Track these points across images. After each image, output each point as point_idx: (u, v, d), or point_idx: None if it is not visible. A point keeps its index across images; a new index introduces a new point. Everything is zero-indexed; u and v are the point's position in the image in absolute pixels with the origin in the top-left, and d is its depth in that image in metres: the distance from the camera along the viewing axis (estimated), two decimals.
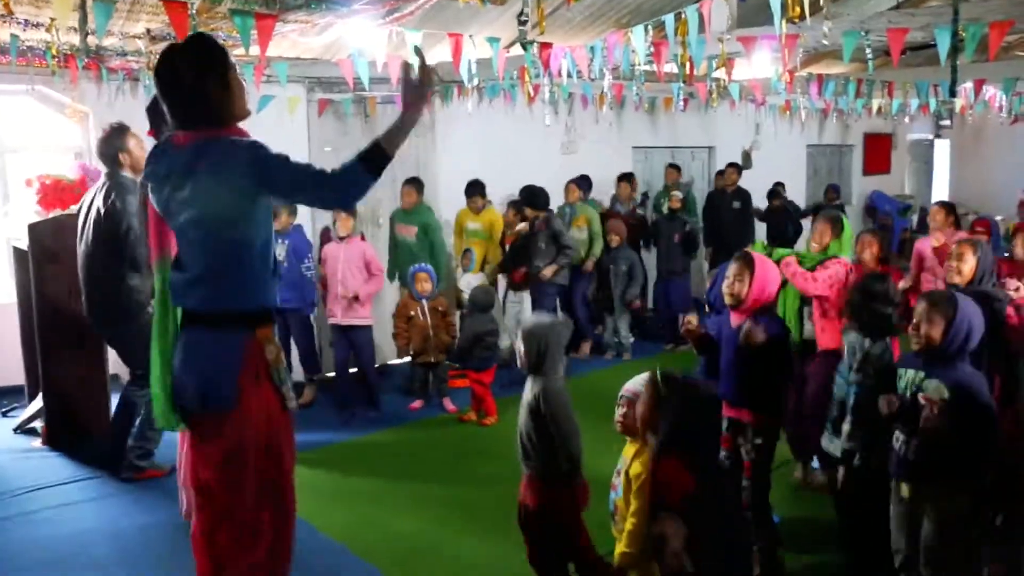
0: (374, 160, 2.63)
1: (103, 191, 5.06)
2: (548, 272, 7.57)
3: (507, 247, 8.00)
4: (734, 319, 3.96)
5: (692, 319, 4.09)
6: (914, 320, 3.38)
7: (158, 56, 2.78)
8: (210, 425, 2.79)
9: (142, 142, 5.20)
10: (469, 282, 7.38)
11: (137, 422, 5.24)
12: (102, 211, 4.99)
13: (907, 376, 3.41)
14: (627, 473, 3.26)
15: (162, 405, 2.88)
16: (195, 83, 2.64)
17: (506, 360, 7.05)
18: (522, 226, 7.75)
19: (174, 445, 5.10)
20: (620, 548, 3.18)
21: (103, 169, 5.19)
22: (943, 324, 3.28)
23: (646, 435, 3.12)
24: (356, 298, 6.45)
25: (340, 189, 2.65)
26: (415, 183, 7.40)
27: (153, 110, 3.93)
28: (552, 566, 3.64)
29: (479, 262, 7.69)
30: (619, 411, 3.35)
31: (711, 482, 2.97)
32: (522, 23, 4.91)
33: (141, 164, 5.13)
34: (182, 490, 4.27)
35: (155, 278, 2.92)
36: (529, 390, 3.58)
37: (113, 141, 5.10)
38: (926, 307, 3.34)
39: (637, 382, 3.33)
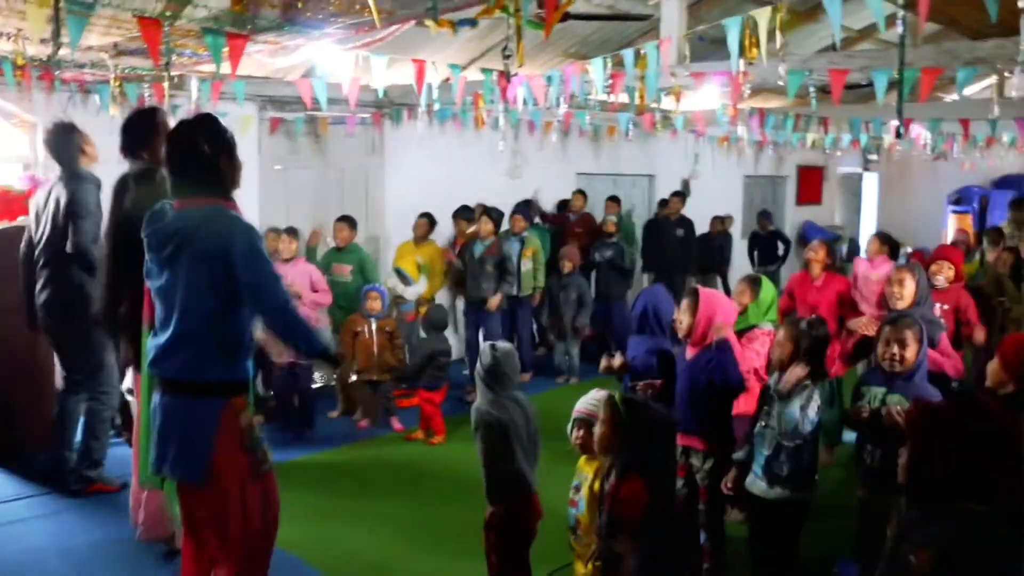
0: (323, 355, 3.13)
1: (63, 182, 4.95)
2: (494, 304, 7.67)
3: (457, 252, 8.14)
4: (688, 352, 4.12)
5: (614, 361, 4.32)
6: (883, 341, 3.62)
7: (173, 129, 3.05)
8: (189, 491, 2.96)
9: (90, 138, 5.17)
10: (417, 290, 7.43)
11: (80, 433, 5.16)
12: (63, 200, 4.88)
13: (871, 392, 3.67)
14: (591, 488, 3.38)
15: (148, 466, 3.03)
16: (211, 156, 2.88)
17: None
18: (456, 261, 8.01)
19: (124, 462, 5.08)
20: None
21: (55, 167, 5.07)
22: (917, 345, 3.55)
23: (604, 455, 3.20)
24: (299, 297, 6.29)
25: (292, 333, 2.98)
26: (348, 220, 7.24)
27: (131, 132, 4.05)
28: None
29: (416, 276, 7.56)
30: (575, 432, 3.47)
31: (665, 503, 3.08)
32: (506, 57, 5.08)
33: (95, 159, 5.13)
34: (134, 510, 4.26)
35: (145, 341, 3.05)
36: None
37: (72, 138, 5.03)
38: (897, 331, 3.59)
39: (587, 402, 3.46)
